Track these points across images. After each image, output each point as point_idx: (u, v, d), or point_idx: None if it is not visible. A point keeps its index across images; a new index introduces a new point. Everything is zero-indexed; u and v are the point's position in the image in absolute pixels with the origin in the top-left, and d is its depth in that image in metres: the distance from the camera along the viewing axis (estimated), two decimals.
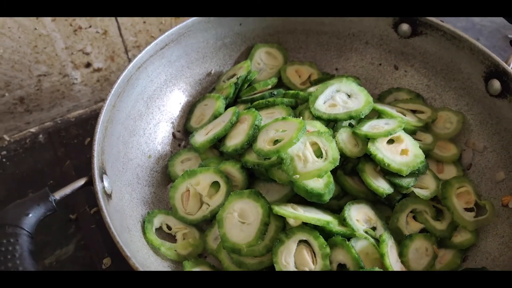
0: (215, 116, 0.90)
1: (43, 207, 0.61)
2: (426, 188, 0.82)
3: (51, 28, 0.98)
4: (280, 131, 0.78)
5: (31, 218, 0.60)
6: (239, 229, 0.72)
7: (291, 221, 0.73)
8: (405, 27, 0.93)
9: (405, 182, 0.78)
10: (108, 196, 0.70)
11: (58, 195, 0.64)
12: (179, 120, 0.96)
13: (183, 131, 0.95)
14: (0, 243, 0.56)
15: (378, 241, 0.74)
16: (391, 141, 0.81)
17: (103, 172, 0.71)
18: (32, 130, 1.12)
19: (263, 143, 0.78)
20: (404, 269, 0.74)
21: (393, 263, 0.72)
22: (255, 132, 0.80)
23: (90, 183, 0.67)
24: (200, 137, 0.86)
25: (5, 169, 1.04)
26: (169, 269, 0.74)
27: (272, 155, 0.74)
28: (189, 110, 0.97)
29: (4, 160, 1.06)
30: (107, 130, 0.76)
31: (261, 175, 0.81)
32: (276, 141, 0.77)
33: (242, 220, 0.73)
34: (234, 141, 0.82)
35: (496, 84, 0.83)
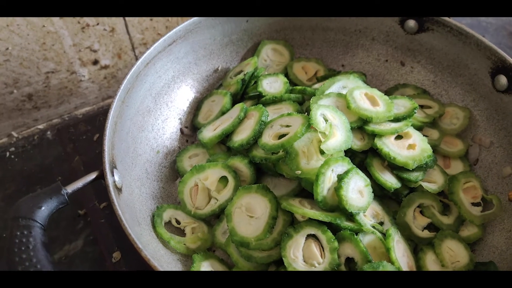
0: (223, 112, 0.90)
1: (56, 200, 0.62)
2: (434, 183, 0.83)
3: (59, 25, 0.99)
4: (285, 126, 0.79)
5: (44, 211, 0.60)
6: (247, 223, 0.73)
7: (299, 216, 0.74)
8: (411, 23, 0.93)
9: (413, 176, 0.78)
10: (119, 190, 0.71)
11: (70, 188, 0.65)
12: (187, 116, 0.97)
13: (191, 127, 0.96)
14: (14, 235, 0.57)
15: (385, 235, 0.74)
16: (399, 137, 0.81)
17: (113, 167, 0.71)
18: (40, 126, 1.13)
19: (268, 138, 0.78)
20: (410, 263, 0.74)
21: (399, 257, 0.72)
22: (261, 128, 0.81)
23: (101, 177, 0.68)
24: (208, 133, 0.86)
25: (13, 166, 1.05)
26: (178, 262, 0.74)
27: (277, 149, 0.75)
28: (196, 106, 0.97)
29: (12, 156, 1.06)
30: (117, 125, 0.77)
31: (268, 170, 0.81)
32: (281, 136, 0.78)
33: (250, 214, 0.74)
34: (241, 136, 0.83)
35: (502, 80, 0.83)
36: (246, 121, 0.85)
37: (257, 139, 0.80)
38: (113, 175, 0.69)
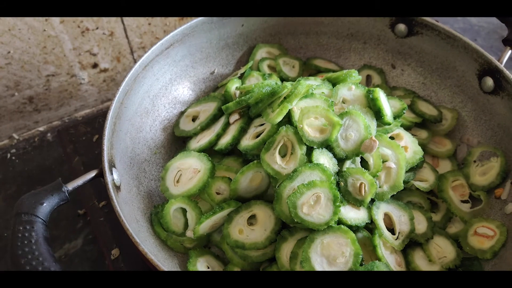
0: (214, 115, 0.90)
1: (57, 196, 0.64)
2: (425, 181, 0.85)
3: (60, 29, 1.01)
4: (259, 125, 0.82)
5: (46, 207, 0.63)
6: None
7: None
8: (401, 27, 0.96)
9: (405, 177, 0.80)
10: (117, 188, 0.73)
11: (71, 185, 0.67)
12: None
13: None
14: (17, 230, 0.59)
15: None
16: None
17: (112, 165, 0.73)
18: (41, 129, 1.15)
19: (247, 141, 0.81)
20: (398, 260, 0.76)
21: (386, 254, 0.74)
22: (240, 135, 0.83)
23: (100, 175, 0.70)
24: (193, 144, 0.89)
25: (14, 167, 1.07)
26: (175, 258, 0.77)
27: (258, 146, 0.78)
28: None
29: (13, 158, 1.09)
30: (116, 125, 0.79)
31: None
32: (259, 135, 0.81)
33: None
34: (223, 140, 0.85)
35: (489, 82, 0.86)
36: (230, 127, 0.87)
37: (237, 144, 0.83)
38: (112, 174, 0.71)
